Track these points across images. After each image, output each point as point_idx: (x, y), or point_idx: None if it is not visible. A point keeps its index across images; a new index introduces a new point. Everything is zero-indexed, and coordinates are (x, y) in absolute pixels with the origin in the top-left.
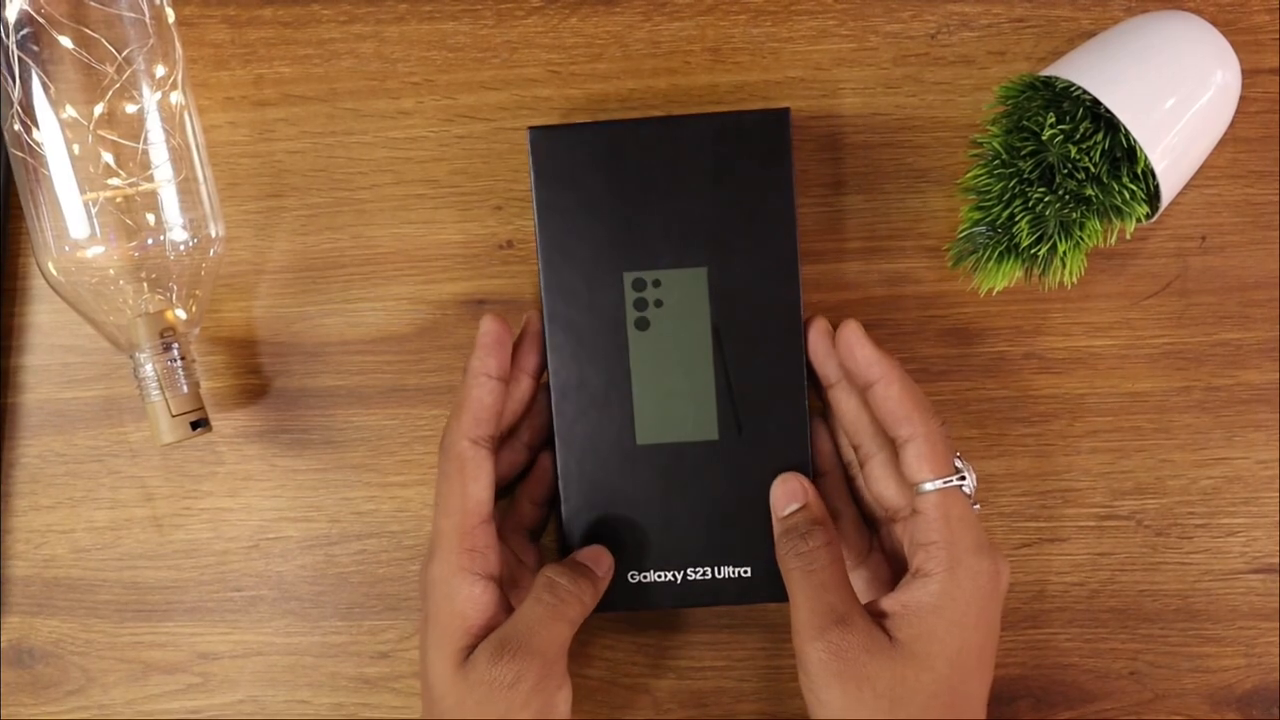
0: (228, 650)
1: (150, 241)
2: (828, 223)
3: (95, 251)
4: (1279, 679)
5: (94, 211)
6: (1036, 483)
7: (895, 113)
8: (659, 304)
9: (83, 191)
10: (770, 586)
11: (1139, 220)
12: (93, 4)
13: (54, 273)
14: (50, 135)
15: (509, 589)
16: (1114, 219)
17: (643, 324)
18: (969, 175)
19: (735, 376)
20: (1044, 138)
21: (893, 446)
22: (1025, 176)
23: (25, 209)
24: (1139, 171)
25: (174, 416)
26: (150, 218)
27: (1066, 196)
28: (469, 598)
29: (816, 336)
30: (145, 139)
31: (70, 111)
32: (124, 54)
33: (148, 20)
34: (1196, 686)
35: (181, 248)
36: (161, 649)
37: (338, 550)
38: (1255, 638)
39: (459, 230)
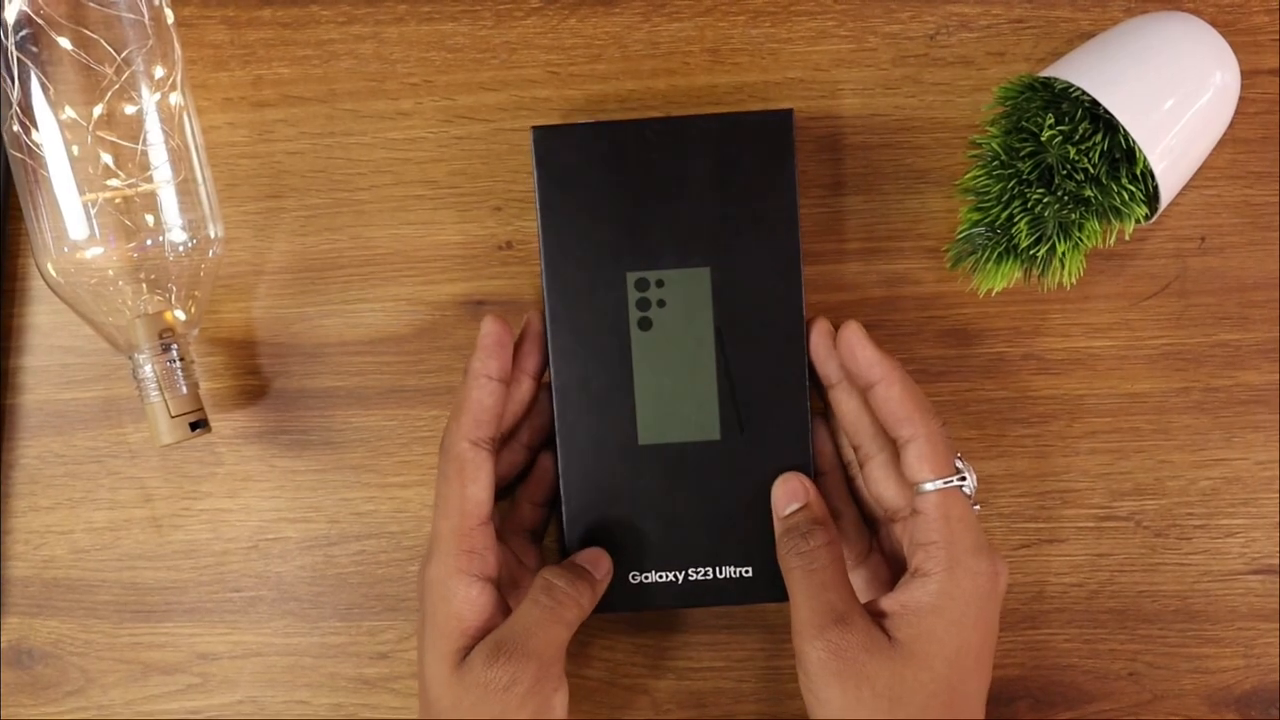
0: (227, 651)
1: (149, 242)
2: (827, 223)
3: (94, 252)
4: (1278, 680)
5: (93, 212)
6: (1035, 483)
7: (894, 113)
8: (662, 304)
9: (82, 192)
10: (772, 586)
11: (1138, 221)
12: (92, 5)
13: (53, 274)
14: (49, 136)
15: (509, 591)
16: (1113, 220)
17: (645, 324)
18: (968, 176)
19: (737, 376)
20: (1043, 139)
21: (893, 447)
22: (1024, 177)
23: (24, 210)
24: (1138, 172)
25: (173, 417)
26: (149, 219)
27: (1065, 197)
28: (466, 599)
29: (818, 337)
30: (144, 140)
31: (69, 112)
32: (123, 55)
33: (147, 21)
34: (1195, 687)
35: (180, 249)
36: (161, 649)
37: (337, 551)
38: (1254, 639)
39: (458, 231)
